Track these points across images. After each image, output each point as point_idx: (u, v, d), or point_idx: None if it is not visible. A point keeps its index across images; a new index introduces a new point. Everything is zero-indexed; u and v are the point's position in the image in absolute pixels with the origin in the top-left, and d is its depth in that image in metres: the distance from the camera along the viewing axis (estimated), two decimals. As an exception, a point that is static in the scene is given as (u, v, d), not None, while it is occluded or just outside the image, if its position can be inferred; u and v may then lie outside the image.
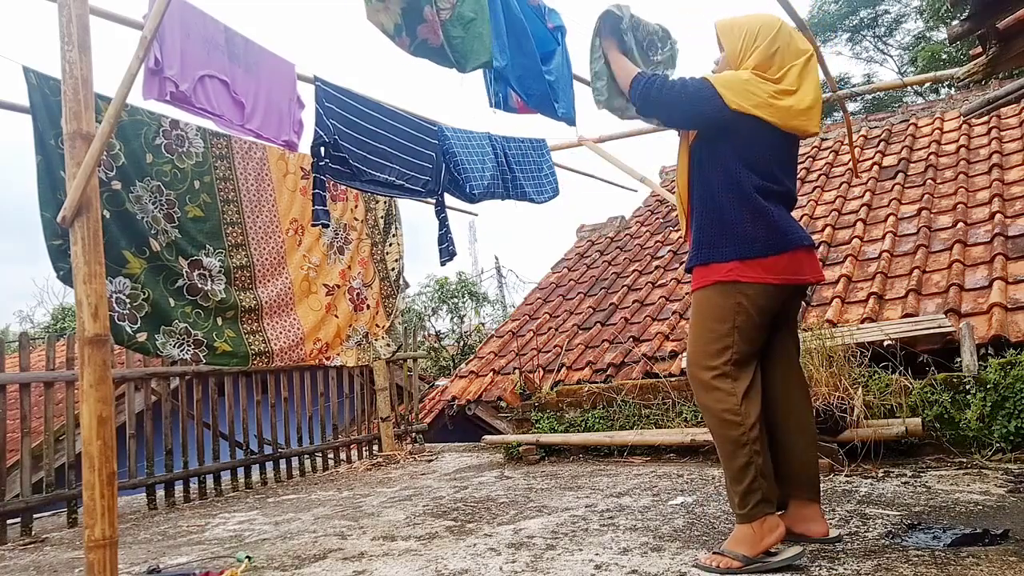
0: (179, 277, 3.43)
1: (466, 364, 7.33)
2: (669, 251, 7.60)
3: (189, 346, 3.42)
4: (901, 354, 3.86)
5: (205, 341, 3.50)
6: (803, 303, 4.95)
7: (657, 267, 7.29)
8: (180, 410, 5.39)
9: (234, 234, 3.75)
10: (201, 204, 3.57)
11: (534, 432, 5.17)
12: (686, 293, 6.30)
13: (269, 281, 3.95)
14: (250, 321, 3.79)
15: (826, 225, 6.43)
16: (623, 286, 7.14)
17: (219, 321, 3.62)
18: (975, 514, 2.55)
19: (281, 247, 4.04)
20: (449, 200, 3.94)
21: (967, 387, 3.64)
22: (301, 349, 4.10)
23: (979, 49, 3.00)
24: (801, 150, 8.78)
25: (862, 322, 4.62)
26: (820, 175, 7.86)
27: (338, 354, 4.42)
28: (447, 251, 3.87)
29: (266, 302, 3.89)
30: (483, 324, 14.02)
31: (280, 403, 5.47)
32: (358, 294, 4.64)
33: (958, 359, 3.78)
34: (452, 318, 13.90)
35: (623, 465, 4.48)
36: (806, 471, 2.28)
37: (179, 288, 3.43)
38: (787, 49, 2.25)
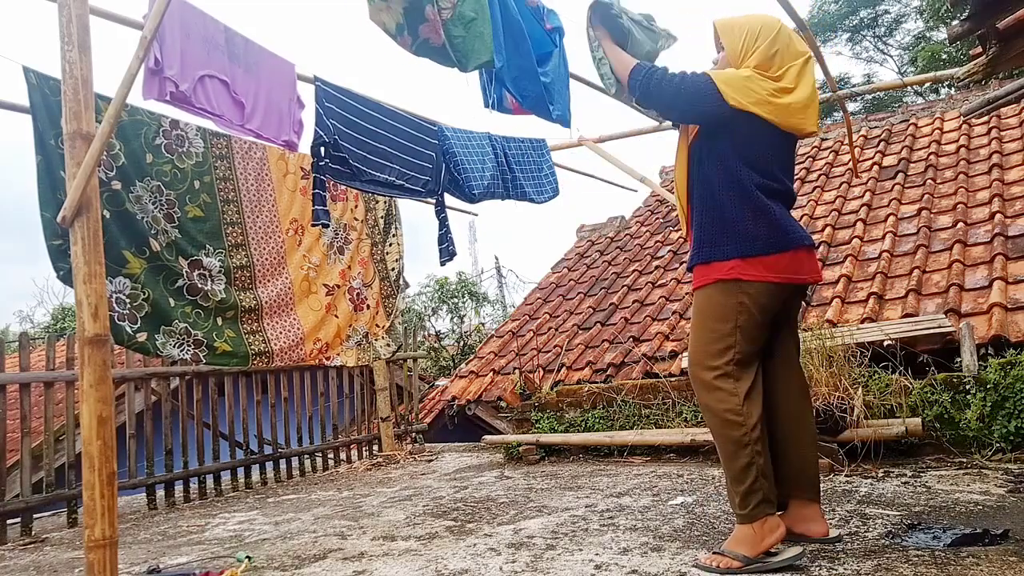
0: (179, 277, 3.43)
1: (466, 364, 7.33)
2: (669, 251, 7.60)
3: (189, 346, 3.42)
4: (901, 354, 3.86)
5: (205, 341, 3.50)
6: (803, 303, 4.95)
7: (657, 267, 7.29)
8: (180, 410, 5.39)
9: (234, 234, 3.75)
10: (201, 204, 3.57)
11: (534, 432, 5.17)
12: (686, 293, 6.31)
13: (269, 281, 3.95)
14: (250, 321, 3.79)
15: (826, 225, 6.43)
16: (623, 286, 7.14)
17: (219, 321, 3.62)
18: (975, 514, 2.55)
19: (281, 247, 4.04)
20: (449, 200, 3.94)
21: (967, 387, 3.64)
22: (301, 349, 4.10)
23: (979, 49, 3.00)
24: (801, 150, 8.80)
25: (862, 322, 4.62)
26: (820, 175, 7.85)
27: (338, 354, 4.42)
28: (447, 251, 3.87)
29: (266, 302, 3.89)
30: (483, 324, 14.03)
31: (280, 403, 5.47)
32: (358, 294, 4.64)
33: (958, 359, 3.78)
34: (452, 318, 13.90)
35: (623, 465, 4.48)
36: (806, 471, 2.28)
37: (179, 288, 3.43)
38: (787, 50, 2.25)
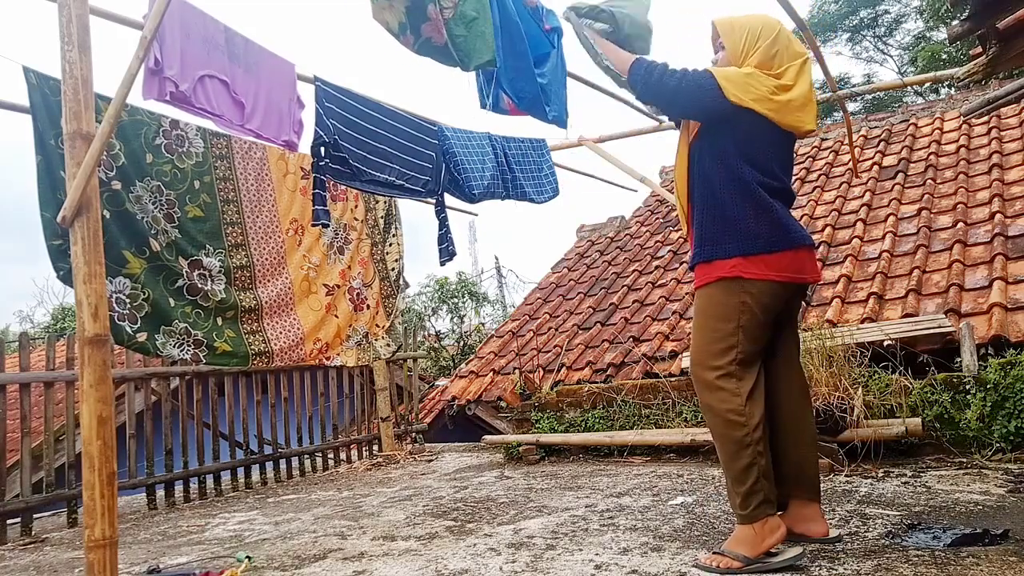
0: (179, 277, 3.43)
1: (466, 364, 7.33)
2: (669, 251, 7.60)
3: (189, 346, 3.42)
4: (901, 354, 3.86)
5: (205, 341, 3.50)
6: (803, 303, 4.95)
7: (657, 267, 7.29)
8: (180, 410, 5.39)
9: (234, 234, 3.75)
10: (201, 204, 3.57)
11: (534, 432, 5.17)
12: (686, 293, 6.31)
13: (269, 281, 3.95)
14: (250, 321, 3.79)
15: (826, 225, 6.43)
16: (623, 286, 7.14)
17: (219, 321, 3.62)
18: (975, 514, 2.55)
19: (281, 247, 4.04)
20: (449, 200, 3.94)
21: (967, 387, 3.64)
22: (301, 349, 4.10)
23: (979, 49, 3.00)
24: (801, 150, 8.80)
25: (862, 322, 4.62)
26: (820, 175, 7.85)
27: (338, 354, 4.42)
28: (447, 251, 3.87)
29: (266, 302, 3.89)
30: (483, 324, 14.02)
31: (280, 403, 5.47)
32: (358, 294, 4.64)
33: (958, 359, 3.78)
34: (452, 318, 13.90)
35: (623, 465, 4.48)
36: (806, 471, 2.28)
37: (179, 288, 3.43)
38: (786, 51, 2.27)
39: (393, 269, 4.97)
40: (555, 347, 6.41)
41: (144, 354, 3.54)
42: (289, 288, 4.07)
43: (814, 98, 2.28)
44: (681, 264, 7.10)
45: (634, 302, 6.64)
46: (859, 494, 3.03)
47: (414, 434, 6.60)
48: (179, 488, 4.79)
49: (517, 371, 5.91)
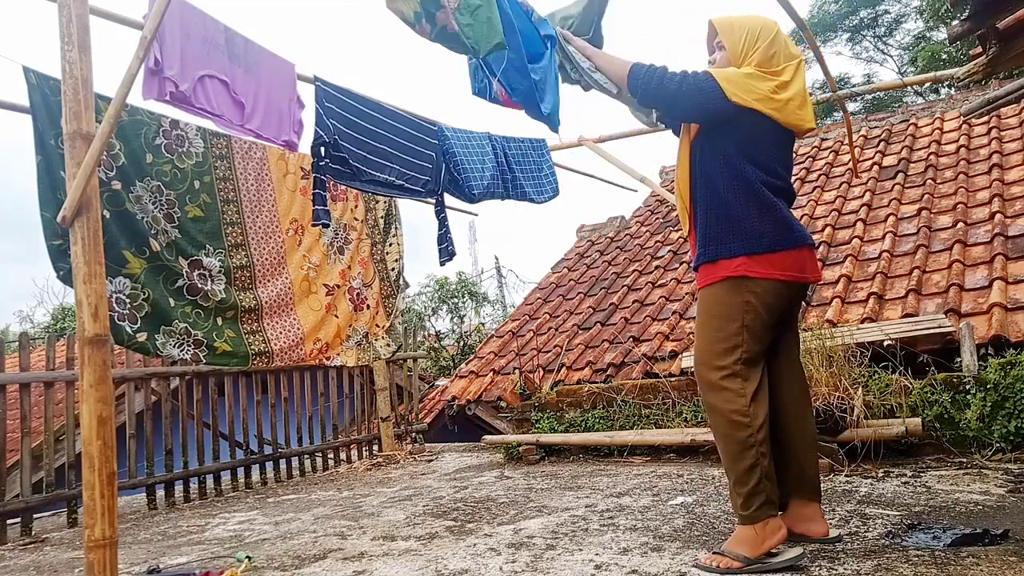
0: (179, 277, 3.42)
1: (466, 364, 7.33)
2: (669, 251, 7.60)
3: (189, 346, 3.42)
4: (901, 354, 3.86)
5: (205, 341, 3.50)
6: (803, 303, 4.95)
7: (657, 267, 7.29)
8: (180, 410, 5.39)
9: (234, 234, 3.75)
10: (201, 204, 3.57)
11: (534, 432, 5.17)
12: (686, 293, 6.30)
13: (269, 281, 3.95)
14: (250, 321, 3.79)
15: (826, 225, 6.43)
16: (623, 286, 7.14)
17: (219, 321, 3.62)
18: (975, 514, 2.55)
19: (281, 247, 4.04)
20: (449, 200, 3.94)
21: (967, 387, 3.64)
22: (301, 349, 4.10)
23: (979, 49, 3.00)
24: (801, 150, 8.81)
25: (862, 322, 4.62)
26: (820, 175, 7.86)
27: (338, 354, 4.42)
28: (447, 251, 3.87)
29: (266, 302, 3.89)
30: (483, 324, 14.02)
31: (280, 403, 5.47)
32: (358, 294, 4.64)
33: (958, 359, 3.78)
34: (452, 318, 13.90)
35: (623, 465, 4.48)
36: (806, 471, 2.28)
37: (179, 288, 3.43)
38: (783, 52, 2.29)
39: (393, 269, 4.97)
40: (555, 347, 6.41)
41: (144, 354, 3.54)
42: (289, 288, 4.07)
43: (808, 97, 2.30)
44: (681, 264, 7.10)
45: (634, 302, 6.64)
46: (859, 494, 3.03)
47: (414, 434, 6.60)
48: (179, 488, 4.79)
49: (517, 371, 5.91)
